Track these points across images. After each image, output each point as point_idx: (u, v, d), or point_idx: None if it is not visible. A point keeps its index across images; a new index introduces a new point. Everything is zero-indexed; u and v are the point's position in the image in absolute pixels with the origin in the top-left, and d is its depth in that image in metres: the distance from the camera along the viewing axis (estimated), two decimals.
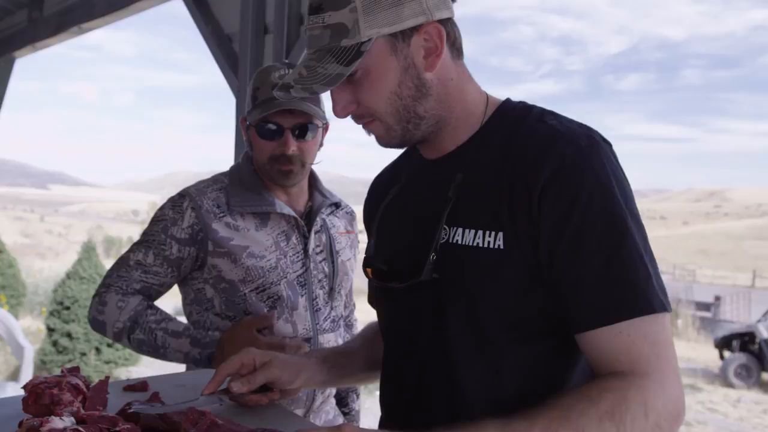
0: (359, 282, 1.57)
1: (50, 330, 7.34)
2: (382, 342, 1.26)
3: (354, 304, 1.89)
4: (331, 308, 1.66)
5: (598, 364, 0.90)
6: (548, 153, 0.92)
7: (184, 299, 1.69)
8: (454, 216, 0.99)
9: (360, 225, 1.71)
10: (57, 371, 7.04)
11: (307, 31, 0.97)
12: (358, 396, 1.86)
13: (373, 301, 1.28)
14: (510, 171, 0.95)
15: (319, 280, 1.63)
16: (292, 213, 1.62)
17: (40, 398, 1.16)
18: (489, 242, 0.94)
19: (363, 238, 1.37)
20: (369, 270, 1.15)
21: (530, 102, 1.07)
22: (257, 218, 1.61)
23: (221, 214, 1.59)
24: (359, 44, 0.92)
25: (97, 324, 1.62)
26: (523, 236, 0.92)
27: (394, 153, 1.19)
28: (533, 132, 0.97)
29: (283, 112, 1.54)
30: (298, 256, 1.62)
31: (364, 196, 1.30)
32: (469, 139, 1.04)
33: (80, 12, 4.06)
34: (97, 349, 7.10)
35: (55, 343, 7.25)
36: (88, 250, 7.30)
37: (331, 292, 1.65)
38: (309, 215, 1.67)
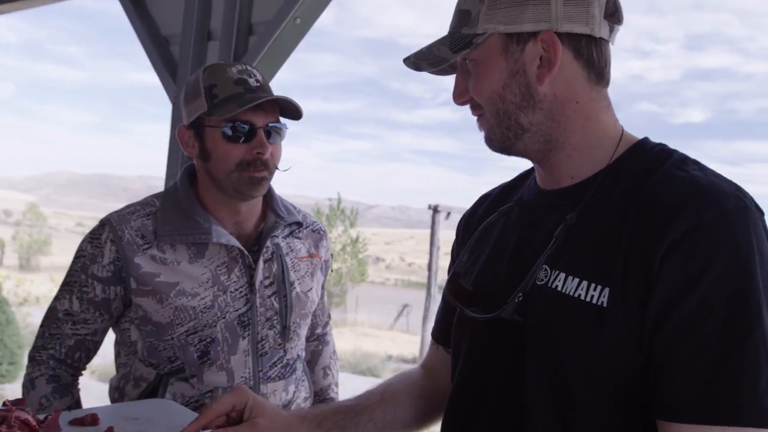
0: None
1: None
2: (410, 404, 1.14)
3: (329, 317, 1.71)
4: (284, 351, 1.46)
5: None
6: (684, 208, 0.79)
7: (116, 337, 1.51)
8: (556, 258, 0.89)
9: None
10: None
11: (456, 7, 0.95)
12: None
13: (439, 335, 1.17)
14: (633, 221, 0.83)
15: (268, 319, 1.44)
16: (233, 242, 1.40)
17: None
18: (593, 296, 0.83)
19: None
20: (452, 287, 1.05)
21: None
22: (192, 249, 1.39)
23: (145, 246, 1.38)
24: (473, 35, 0.90)
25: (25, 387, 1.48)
26: (633, 297, 0.81)
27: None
28: (669, 179, 0.84)
29: (255, 111, 1.35)
30: (240, 292, 1.41)
31: None
32: (593, 176, 0.93)
33: None
34: None
35: None
36: None
37: (284, 332, 1.45)
38: (259, 240, 1.47)
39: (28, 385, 1.45)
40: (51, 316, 1.45)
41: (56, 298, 1.45)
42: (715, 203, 0.79)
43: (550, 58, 0.88)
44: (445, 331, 1.14)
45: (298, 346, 1.52)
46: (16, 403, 1.12)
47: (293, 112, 1.42)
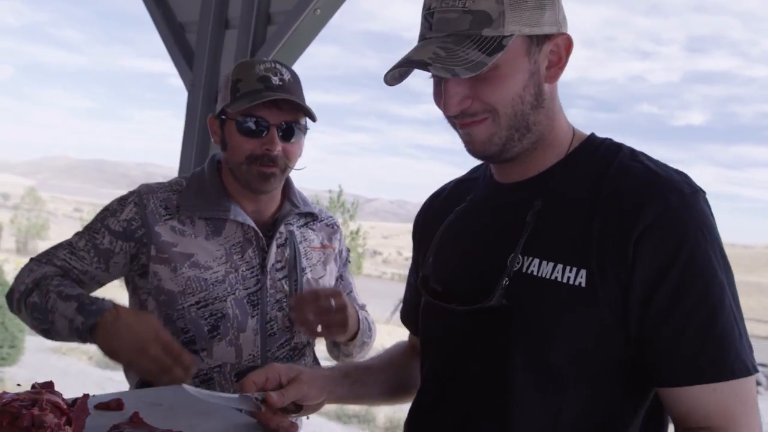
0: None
1: None
2: (411, 365, 1.23)
3: (365, 309, 1.72)
4: (292, 334, 1.50)
5: (686, 419, 0.90)
6: (651, 196, 0.89)
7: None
8: (530, 245, 0.95)
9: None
10: None
11: (435, 13, 0.91)
12: None
13: (409, 319, 1.25)
14: (602, 208, 0.91)
15: (277, 301, 1.47)
16: (250, 222, 1.46)
17: (17, 420, 1.00)
18: (569, 278, 0.91)
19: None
20: (424, 290, 1.09)
21: None
22: (210, 225, 1.46)
23: (167, 217, 1.45)
24: (501, 37, 0.89)
25: (9, 294, 1.46)
26: (612, 279, 0.89)
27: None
28: (627, 170, 0.94)
29: (269, 108, 1.39)
30: (252, 272, 1.46)
31: None
32: (552, 166, 1.00)
33: None
34: None
35: None
36: None
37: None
38: (275, 226, 1.51)
39: (16, 274, 1.46)
40: (55, 245, 1.50)
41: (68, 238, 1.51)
42: (675, 189, 0.89)
43: (559, 58, 0.94)
44: (414, 317, 1.23)
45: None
46: (45, 385, 1.12)
47: (309, 113, 1.46)
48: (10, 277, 8.70)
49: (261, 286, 1.46)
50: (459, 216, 1.10)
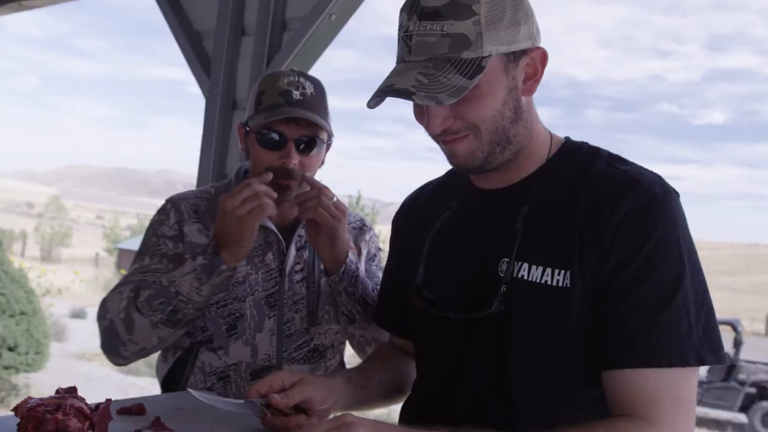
0: None
1: None
2: (403, 365, 1.27)
3: None
4: (310, 336, 1.51)
5: (617, 404, 0.91)
6: (625, 195, 0.94)
7: None
8: (519, 250, 0.99)
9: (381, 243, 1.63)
10: None
11: (413, 36, 0.93)
12: None
13: (389, 321, 1.29)
14: (582, 212, 0.96)
15: (295, 302, 1.50)
16: (271, 226, 1.50)
17: (41, 425, 1.02)
18: (558, 280, 0.95)
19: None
20: (417, 299, 1.12)
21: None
22: None
23: (195, 220, 1.51)
24: (480, 58, 0.91)
25: (105, 332, 1.43)
26: (589, 273, 0.94)
27: None
28: (606, 175, 0.98)
29: (288, 122, 1.43)
30: (271, 274, 1.50)
31: None
32: (534, 172, 1.04)
33: None
34: None
35: None
36: None
37: (311, 317, 1.50)
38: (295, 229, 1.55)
39: (101, 312, 1.43)
40: (120, 280, 1.49)
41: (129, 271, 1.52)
42: (647, 189, 0.95)
43: (535, 71, 0.98)
44: (394, 319, 1.28)
45: (329, 334, 1.54)
46: (69, 390, 1.13)
47: (326, 129, 1.48)
48: (34, 284, 8.83)
49: (279, 288, 1.49)
50: (445, 224, 1.12)
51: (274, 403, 1.07)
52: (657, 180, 0.97)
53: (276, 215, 1.50)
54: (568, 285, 0.94)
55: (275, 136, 1.44)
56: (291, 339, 1.49)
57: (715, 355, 0.91)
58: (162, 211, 1.54)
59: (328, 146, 1.53)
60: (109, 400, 1.18)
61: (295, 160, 1.44)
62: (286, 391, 1.09)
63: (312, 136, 1.45)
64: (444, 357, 1.08)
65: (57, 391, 1.14)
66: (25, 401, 1.07)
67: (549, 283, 0.95)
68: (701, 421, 11.25)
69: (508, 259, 0.99)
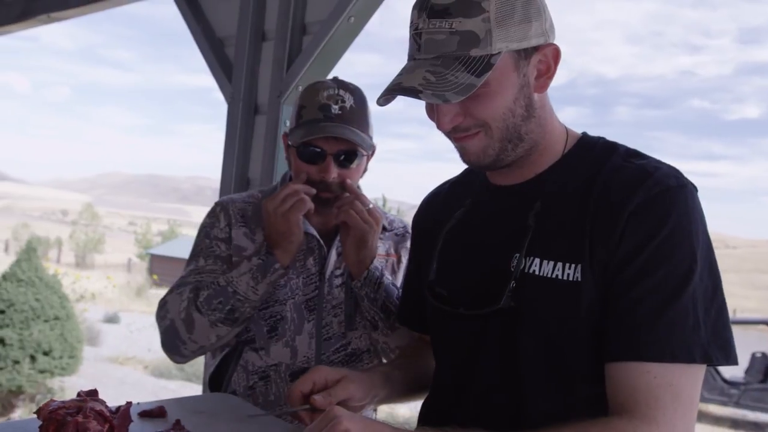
0: None
1: None
2: (428, 356, 1.26)
3: None
4: (348, 339, 1.54)
5: (615, 399, 0.89)
6: (637, 188, 0.92)
7: None
8: (530, 246, 0.98)
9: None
10: None
11: (422, 34, 0.92)
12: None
13: (411, 320, 1.29)
14: (594, 206, 0.95)
15: (333, 306, 1.53)
16: (311, 230, 1.53)
17: (62, 427, 1.03)
18: (568, 275, 0.94)
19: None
20: (430, 294, 1.12)
21: None
22: None
23: (241, 224, 1.56)
24: (489, 56, 0.90)
25: (166, 331, 1.48)
26: (598, 266, 0.92)
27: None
28: (621, 169, 0.97)
29: (326, 138, 1.44)
30: (312, 278, 1.53)
31: None
32: (549, 168, 1.03)
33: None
34: (32, 357, 6.64)
35: None
36: (29, 251, 6.87)
37: (348, 321, 1.53)
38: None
39: (161, 313, 1.49)
40: (176, 282, 1.54)
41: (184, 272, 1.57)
42: (660, 182, 0.92)
43: (548, 67, 0.96)
44: (415, 317, 1.28)
45: (366, 339, 1.56)
46: (90, 393, 1.15)
47: (361, 146, 1.48)
48: (68, 291, 9.02)
49: (319, 292, 1.53)
50: (459, 220, 1.12)
51: (318, 406, 1.06)
52: (673, 173, 0.95)
53: (318, 221, 1.56)
54: (579, 279, 0.93)
55: (314, 151, 1.46)
56: (329, 342, 1.53)
57: (725, 354, 0.88)
58: (212, 214, 1.59)
59: (372, 153, 1.55)
60: (129, 403, 1.19)
61: (335, 173, 1.46)
62: (329, 389, 1.08)
63: (351, 149, 1.46)
64: (456, 353, 1.09)
65: (78, 394, 1.15)
66: (47, 404, 1.09)
67: (560, 277, 0.94)
68: (739, 424, 10.97)
69: (519, 255, 0.98)
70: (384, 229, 1.61)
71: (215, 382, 1.59)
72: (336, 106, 1.46)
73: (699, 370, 0.88)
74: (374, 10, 2.41)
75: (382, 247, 1.61)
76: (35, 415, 1.08)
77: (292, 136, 1.50)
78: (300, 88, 2.53)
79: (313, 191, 1.42)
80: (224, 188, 2.73)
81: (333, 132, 1.43)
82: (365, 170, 1.56)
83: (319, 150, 1.45)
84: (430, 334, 1.21)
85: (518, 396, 0.98)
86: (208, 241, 1.55)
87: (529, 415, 0.97)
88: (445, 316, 1.09)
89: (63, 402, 1.09)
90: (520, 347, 0.98)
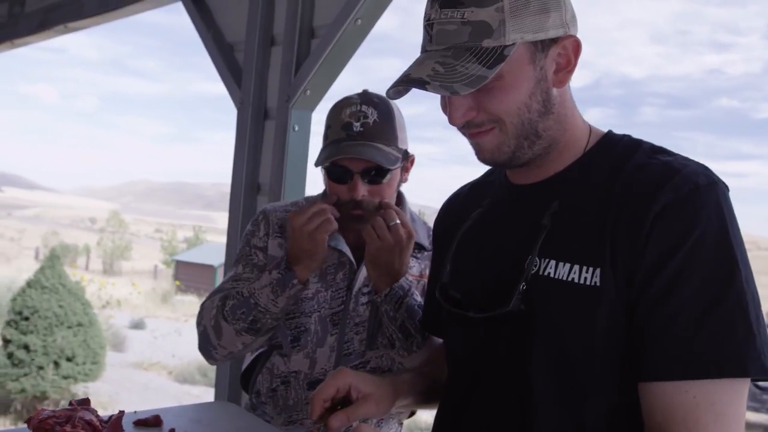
0: None
1: (6, 341, 6.97)
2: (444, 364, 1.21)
3: None
4: (367, 359, 1.52)
5: (652, 420, 0.82)
6: (662, 187, 0.85)
7: None
8: (546, 247, 0.92)
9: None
10: (11, 386, 6.71)
11: (434, 24, 0.88)
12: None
13: (433, 326, 1.24)
14: (616, 206, 0.88)
15: (356, 324, 1.51)
16: (343, 247, 1.52)
17: None
18: (585, 278, 0.87)
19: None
20: (443, 297, 1.07)
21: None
22: None
23: (278, 234, 1.55)
24: (502, 47, 0.85)
25: (201, 336, 1.52)
26: (621, 271, 0.85)
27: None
28: (644, 167, 0.90)
29: (350, 157, 1.42)
30: (339, 293, 1.52)
31: None
32: (569, 167, 0.97)
33: (68, 10, 3.89)
34: (56, 363, 6.75)
35: (10, 356, 6.87)
36: (52, 258, 6.98)
37: (370, 341, 1.50)
38: None
39: (198, 319, 1.53)
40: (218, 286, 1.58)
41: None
42: (689, 180, 0.85)
43: (568, 61, 0.91)
44: (435, 322, 1.22)
45: (386, 358, 1.53)
46: (81, 403, 1.14)
47: (383, 163, 1.45)
48: (94, 298, 9.13)
49: (344, 307, 1.52)
50: (475, 221, 1.08)
51: (335, 428, 1.02)
52: (702, 170, 0.87)
53: (353, 238, 1.53)
54: (598, 283, 0.86)
55: (340, 171, 1.45)
56: (349, 358, 1.51)
57: None
58: (255, 222, 1.60)
59: (411, 161, 1.52)
60: (122, 412, 1.18)
61: (363, 191, 1.43)
62: (348, 410, 1.03)
63: (377, 166, 1.43)
64: (464, 358, 1.04)
65: (70, 403, 1.14)
66: (38, 413, 1.08)
67: (576, 281, 0.88)
68: None
69: (531, 255, 0.93)
70: (422, 248, 1.57)
71: (244, 380, 1.65)
72: (358, 124, 1.44)
73: (743, 385, 0.80)
74: (381, 12, 2.39)
75: (417, 267, 1.56)
76: (25, 425, 1.07)
77: (318, 157, 1.48)
78: (308, 92, 2.52)
79: (337, 214, 1.41)
80: (234, 194, 2.72)
81: (352, 152, 1.41)
82: (403, 180, 1.52)
83: (344, 169, 1.44)
84: (443, 339, 1.18)
85: (528, 408, 0.92)
86: (248, 248, 1.57)
87: (537, 421, 0.91)
88: (455, 319, 1.05)
89: (53, 411, 1.08)
90: (530, 355, 0.92)
